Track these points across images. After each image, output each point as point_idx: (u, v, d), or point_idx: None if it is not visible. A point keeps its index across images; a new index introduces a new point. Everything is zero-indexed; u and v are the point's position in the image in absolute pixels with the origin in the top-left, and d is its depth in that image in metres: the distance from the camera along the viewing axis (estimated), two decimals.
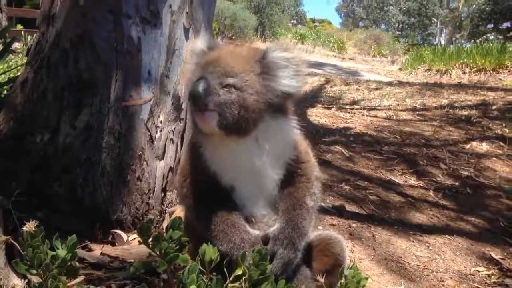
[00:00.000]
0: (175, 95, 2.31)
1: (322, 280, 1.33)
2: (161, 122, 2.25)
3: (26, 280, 1.46)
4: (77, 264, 1.44)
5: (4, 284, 1.39)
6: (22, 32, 7.78)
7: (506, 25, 14.94)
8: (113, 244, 2.02)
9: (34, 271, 1.20)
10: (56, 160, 2.06)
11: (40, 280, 1.18)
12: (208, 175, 1.53)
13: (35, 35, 7.12)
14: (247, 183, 1.55)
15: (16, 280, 1.43)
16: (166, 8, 2.27)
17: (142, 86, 2.19)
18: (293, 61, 1.48)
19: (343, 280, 1.41)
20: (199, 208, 1.55)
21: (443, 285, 2.35)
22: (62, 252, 1.23)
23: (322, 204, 2.95)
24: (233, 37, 19.52)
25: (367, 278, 1.45)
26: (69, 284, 1.24)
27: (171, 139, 2.30)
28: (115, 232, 2.06)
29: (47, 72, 2.17)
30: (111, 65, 2.14)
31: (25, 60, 5.27)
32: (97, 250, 1.90)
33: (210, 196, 1.53)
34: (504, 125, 5.88)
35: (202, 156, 1.53)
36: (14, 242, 1.25)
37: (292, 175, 1.60)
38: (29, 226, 1.17)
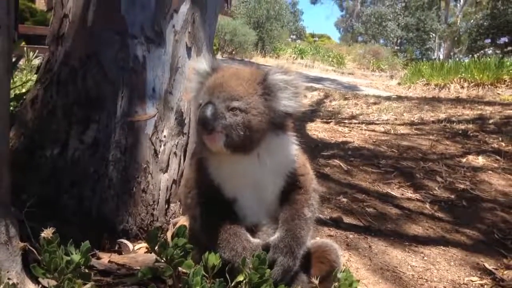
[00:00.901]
0: (178, 110, 2.42)
1: (316, 282, 1.43)
2: (165, 136, 2.35)
3: (40, 286, 1.55)
4: (88, 270, 1.53)
5: None
6: (25, 48, 7.92)
7: (503, 39, 15.11)
8: (119, 253, 2.11)
9: (50, 275, 1.29)
10: (65, 173, 2.16)
11: (56, 283, 1.27)
12: (212, 187, 1.64)
13: (37, 51, 7.20)
14: (248, 195, 1.67)
15: (31, 285, 1.52)
16: (169, 28, 2.39)
17: (147, 102, 2.30)
18: (292, 83, 1.60)
19: (336, 283, 1.50)
20: (203, 218, 1.66)
21: None
22: (76, 257, 1.33)
23: (320, 215, 3.04)
24: (233, 52, 19.73)
25: (358, 281, 1.54)
26: None
27: (175, 153, 2.40)
28: (122, 242, 2.15)
29: (57, 90, 2.28)
30: (117, 82, 2.25)
31: (29, 76, 5.40)
32: (105, 258, 1.99)
33: (213, 207, 1.64)
34: (500, 139, 5.98)
35: (207, 170, 1.65)
36: (32, 248, 1.34)
37: (291, 187, 1.71)
38: (47, 233, 1.27)
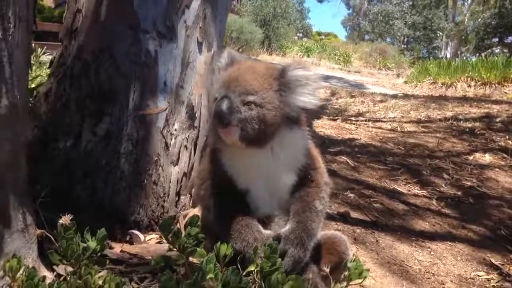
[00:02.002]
0: (189, 104, 2.45)
1: (327, 270, 1.46)
2: (175, 130, 2.39)
3: (55, 273, 1.59)
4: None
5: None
6: (33, 44, 7.96)
7: (511, 38, 15.04)
8: (131, 244, 2.15)
9: (67, 262, 1.33)
10: (78, 165, 2.20)
11: (73, 270, 1.31)
12: (225, 178, 1.67)
13: (45, 47, 7.23)
14: (261, 187, 1.70)
15: (46, 272, 1.56)
16: (181, 23, 2.42)
17: (158, 96, 2.34)
18: (312, 79, 1.62)
19: (347, 272, 1.53)
20: (216, 208, 1.69)
21: None
22: (92, 244, 1.36)
23: (328, 210, 3.07)
24: (240, 50, 19.75)
25: (368, 270, 1.57)
26: (98, 276, 1.36)
27: (185, 146, 2.44)
28: (133, 233, 2.19)
29: (70, 83, 2.32)
30: (130, 76, 2.28)
31: (38, 72, 5.44)
32: (117, 248, 2.03)
33: (226, 198, 1.67)
34: (507, 137, 5.98)
35: (220, 161, 1.69)
36: (49, 234, 1.37)
37: (303, 181, 1.74)
38: (65, 219, 1.30)
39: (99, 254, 1.39)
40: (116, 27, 2.31)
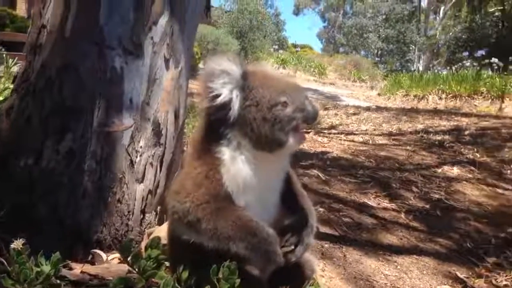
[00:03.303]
0: (155, 121, 2.44)
1: None
2: (141, 147, 2.37)
3: None
4: (58, 281, 1.53)
5: None
6: (4, 55, 7.83)
7: (481, 52, 15.42)
8: (92, 264, 2.11)
9: (20, 286, 1.30)
10: (40, 182, 2.16)
11: None
12: (220, 195, 1.60)
13: (16, 58, 7.11)
14: (257, 200, 1.66)
15: None
16: (148, 40, 2.41)
17: (123, 113, 2.32)
18: None
19: None
20: (212, 215, 1.58)
21: None
22: (46, 268, 1.34)
23: None
24: None
25: None
26: None
27: (151, 163, 2.42)
28: (95, 252, 2.16)
29: (33, 99, 2.28)
30: (94, 93, 2.26)
31: (7, 84, 5.34)
32: (77, 269, 1.99)
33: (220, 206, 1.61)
34: (475, 149, 6.11)
35: (220, 179, 1.60)
36: (2, 260, 1.34)
37: (287, 184, 1.78)
38: (17, 244, 1.28)
39: (53, 278, 1.36)
40: (81, 43, 2.29)
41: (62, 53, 2.31)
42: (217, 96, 1.55)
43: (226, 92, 1.56)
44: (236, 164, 1.61)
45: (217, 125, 1.61)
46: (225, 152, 1.61)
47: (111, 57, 2.31)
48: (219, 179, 1.60)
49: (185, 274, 1.45)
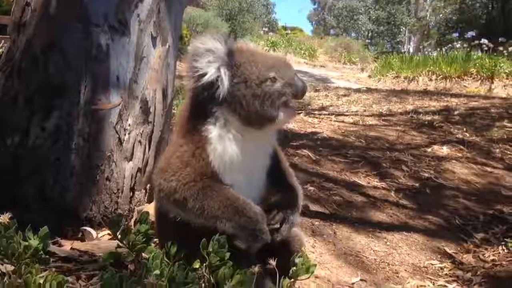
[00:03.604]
0: (143, 99, 2.42)
1: (273, 263, 1.47)
2: (129, 125, 2.35)
3: None
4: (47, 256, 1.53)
5: None
6: None
7: (471, 34, 15.41)
8: (82, 241, 2.11)
9: (8, 261, 1.30)
10: (26, 161, 2.14)
11: (13, 268, 1.28)
12: (207, 173, 1.60)
13: (2, 41, 7.00)
14: (244, 178, 1.67)
15: None
16: (134, 17, 2.38)
17: (111, 91, 2.30)
18: None
19: (294, 268, 1.54)
20: (199, 194, 1.58)
21: (397, 276, 2.51)
22: (34, 242, 1.33)
23: None
24: None
25: (315, 265, 1.59)
26: (40, 275, 1.33)
27: (139, 141, 2.41)
28: (85, 229, 2.16)
29: (18, 78, 2.25)
30: (80, 71, 2.23)
31: None
32: (67, 245, 2.00)
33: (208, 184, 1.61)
34: (464, 129, 6.14)
35: (207, 157, 1.60)
36: None
37: (274, 161, 1.77)
38: (3, 218, 1.27)
39: (41, 252, 1.36)
40: (66, 21, 2.26)
41: (46, 31, 2.27)
42: (203, 75, 1.54)
43: (213, 70, 1.55)
44: (223, 142, 1.60)
45: (205, 103, 1.60)
46: (212, 131, 1.61)
47: (97, 34, 2.28)
48: (206, 158, 1.60)
49: (173, 249, 1.45)
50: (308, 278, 1.68)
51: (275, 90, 1.58)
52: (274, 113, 1.58)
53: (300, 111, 7.03)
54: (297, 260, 1.59)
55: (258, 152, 1.69)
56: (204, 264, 1.43)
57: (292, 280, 1.59)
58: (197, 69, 1.55)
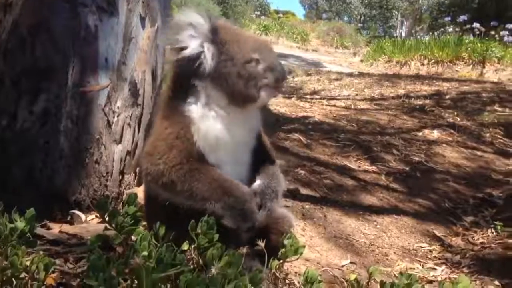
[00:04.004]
0: (132, 81, 2.39)
1: (262, 244, 1.47)
2: (118, 107, 2.33)
3: None
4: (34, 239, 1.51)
5: None
6: None
7: (463, 18, 15.36)
8: (71, 224, 2.10)
9: None
10: (14, 144, 2.12)
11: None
12: (193, 154, 1.61)
13: None
14: (229, 158, 1.68)
15: None
16: None
17: (99, 73, 2.27)
18: None
19: (283, 249, 1.54)
20: (186, 176, 1.59)
21: (387, 259, 2.53)
22: (20, 224, 1.32)
23: None
24: None
25: (304, 246, 1.60)
26: (27, 259, 1.32)
27: (129, 124, 2.38)
28: (74, 213, 2.14)
29: (4, 59, 2.21)
30: (68, 52, 2.20)
31: None
32: (56, 229, 1.98)
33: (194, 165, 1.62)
34: (455, 113, 6.15)
35: (191, 137, 1.61)
36: None
37: (258, 146, 1.79)
38: None
39: (28, 234, 1.34)
40: (53, 1, 2.22)
41: (33, 11, 2.23)
42: (184, 48, 1.56)
43: (195, 45, 1.56)
44: (207, 121, 1.61)
45: (187, 79, 1.61)
46: (195, 110, 1.62)
47: (84, 15, 2.24)
48: (191, 138, 1.61)
49: (162, 230, 1.44)
50: (297, 259, 1.68)
51: (258, 72, 1.61)
52: (256, 93, 1.62)
53: (291, 95, 7.01)
54: (286, 242, 1.59)
55: (242, 131, 1.70)
56: (193, 246, 1.43)
57: (281, 261, 1.59)
58: (178, 42, 1.57)
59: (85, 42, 2.24)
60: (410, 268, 2.43)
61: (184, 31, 1.56)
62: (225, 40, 1.60)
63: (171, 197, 1.62)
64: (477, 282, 2.33)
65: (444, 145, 4.88)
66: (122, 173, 2.38)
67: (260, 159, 1.77)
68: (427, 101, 6.87)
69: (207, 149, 1.62)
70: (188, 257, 1.43)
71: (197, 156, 1.60)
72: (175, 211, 1.59)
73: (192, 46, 1.55)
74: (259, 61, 1.61)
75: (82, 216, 2.14)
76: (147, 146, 1.72)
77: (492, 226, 2.97)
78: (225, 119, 1.62)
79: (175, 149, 1.60)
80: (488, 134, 5.30)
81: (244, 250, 1.42)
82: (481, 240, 2.89)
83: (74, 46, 2.22)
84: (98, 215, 2.03)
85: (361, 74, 10.47)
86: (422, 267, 2.50)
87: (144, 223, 1.82)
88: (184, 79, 1.61)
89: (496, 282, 2.30)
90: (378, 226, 2.91)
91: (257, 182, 1.70)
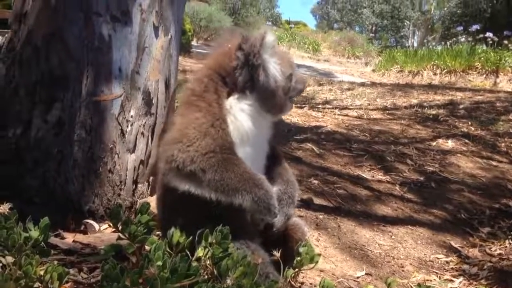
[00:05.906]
0: (146, 90, 2.39)
1: (277, 254, 1.44)
2: (131, 116, 2.32)
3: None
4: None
5: None
6: None
7: (475, 27, 15.27)
8: (85, 233, 2.09)
9: (8, 252, 1.27)
10: (28, 153, 2.12)
11: (13, 260, 1.25)
12: (224, 144, 1.65)
13: (6, 35, 7.00)
14: (253, 152, 1.76)
15: None
16: (136, 6, 2.35)
17: (113, 82, 2.27)
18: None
19: (298, 258, 1.51)
20: (219, 164, 1.61)
21: (403, 271, 2.49)
22: (34, 233, 1.31)
23: None
24: (208, 39, 19.57)
25: (319, 255, 1.57)
26: (41, 268, 1.31)
27: (142, 133, 2.38)
28: (87, 222, 2.13)
29: (19, 69, 2.23)
30: (82, 61, 2.21)
31: None
32: (69, 238, 1.98)
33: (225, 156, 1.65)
34: (470, 123, 6.09)
35: (226, 128, 1.67)
36: None
37: (271, 150, 1.89)
38: (3, 208, 1.25)
39: (42, 243, 1.33)
40: (67, 11, 2.23)
41: (48, 21, 2.24)
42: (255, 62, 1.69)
43: (267, 60, 1.70)
44: (242, 116, 1.70)
45: (237, 83, 1.72)
46: (234, 104, 1.70)
47: (99, 24, 2.25)
48: (226, 128, 1.66)
49: (176, 238, 1.42)
50: (312, 268, 1.66)
51: (291, 86, 1.78)
52: (288, 105, 1.84)
53: (304, 105, 7.00)
54: (301, 250, 1.57)
55: (264, 132, 1.82)
56: (207, 256, 1.41)
57: (297, 270, 1.56)
58: (258, 56, 1.68)
59: (99, 51, 2.24)
60: (427, 280, 2.39)
61: (266, 49, 1.68)
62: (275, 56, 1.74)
63: (196, 187, 1.62)
64: None
65: (458, 155, 4.82)
66: (135, 182, 2.37)
67: (272, 164, 1.84)
68: (441, 111, 6.82)
69: (239, 142, 1.69)
70: (202, 264, 1.41)
71: (229, 146, 1.65)
72: (193, 206, 1.63)
73: (264, 61, 1.69)
74: (292, 75, 1.78)
75: (96, 225, 2.13)
76: (172, 134, 1.74)
77: (509, 237, 2.92)
78: (255, 120, 1.72)
79: (208, 137, 1.62)
80: (503, 144, 5.23)
81: (259, 260, 1.39)
82: (498, 251, 2.83)
83: (88, 56, 2.22)
84: (111, 224, 2.03)
85: (373, 84, 10.44)
86: (439, 278, 2.45)
87: (158, 232, 1.80)
88: (235, 82, 1.72)
89: None
90: (393, 237, 2.87)
91: (274, 188, 1.72)
